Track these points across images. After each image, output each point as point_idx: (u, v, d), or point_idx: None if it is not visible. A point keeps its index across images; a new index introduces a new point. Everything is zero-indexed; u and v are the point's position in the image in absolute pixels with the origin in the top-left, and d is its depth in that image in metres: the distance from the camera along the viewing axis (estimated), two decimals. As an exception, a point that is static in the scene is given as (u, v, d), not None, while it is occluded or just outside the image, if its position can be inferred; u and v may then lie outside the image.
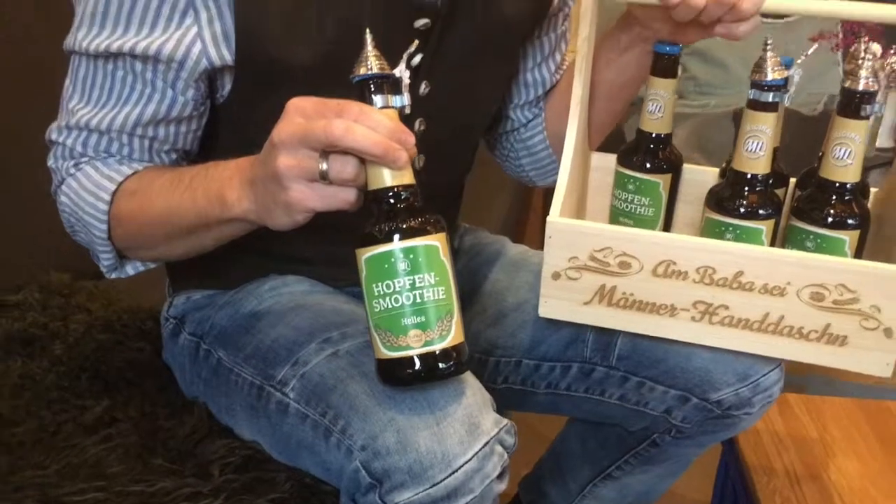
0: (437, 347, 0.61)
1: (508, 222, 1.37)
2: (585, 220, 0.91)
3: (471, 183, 1.03)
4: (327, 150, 0.61)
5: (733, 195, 0.81)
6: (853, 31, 1.49)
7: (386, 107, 0.62)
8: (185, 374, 0.90)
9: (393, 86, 0.63)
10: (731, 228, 0.81)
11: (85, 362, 0.94)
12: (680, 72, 2.24)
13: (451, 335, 0.62)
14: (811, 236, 0.79)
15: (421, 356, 0.61)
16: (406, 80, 0.64)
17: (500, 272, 1.01)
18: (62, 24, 0.79)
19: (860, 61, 0.77)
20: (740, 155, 0.80)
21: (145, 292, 1.08)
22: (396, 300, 0.60)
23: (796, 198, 0.84)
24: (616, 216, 0.94)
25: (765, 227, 0.80)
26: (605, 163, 0.97)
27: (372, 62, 0.62)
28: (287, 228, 0.67)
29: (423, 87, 0.83)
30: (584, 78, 0.87)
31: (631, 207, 0.92)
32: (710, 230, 0.82)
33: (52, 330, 0.99)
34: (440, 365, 0.62)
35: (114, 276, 0.84)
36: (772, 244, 0.83)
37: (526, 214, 1.44)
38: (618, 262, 0.80)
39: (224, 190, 0.70)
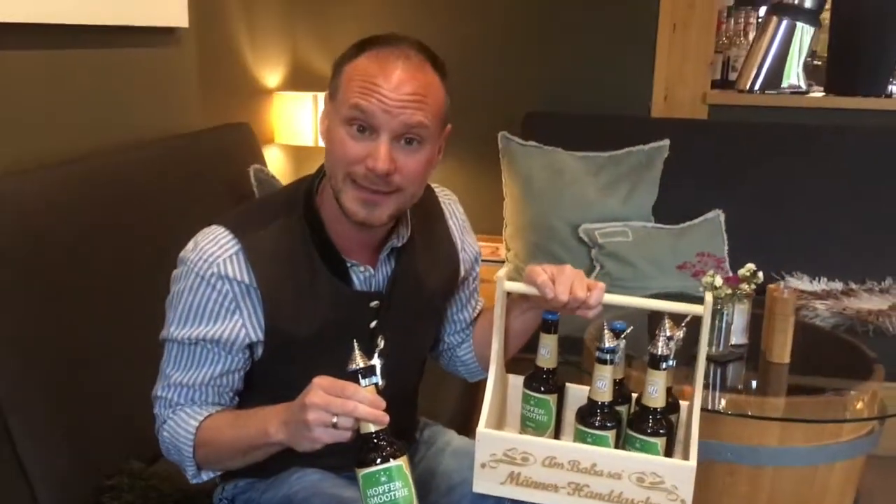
0: None
1: (459, 412, 1.87)
2: (503, 430, 1.38)
3: (429, 384, 1.51)
4: None
5: (590, 414, 1.29)
6: (703, 266, 2.02)
7: (369, 384, 1.11)
8: (237, 538, 1.35)
9: (371, 371, 1.12)
10: (589, 436, 1.28)
11: (165, 530, 1.37)
12: (598, 269, 2.89)
13: None
14: (638, 441, 1.27)
15: None
16: (378, 367, 1.12)
17: (449, 459, 1.46)
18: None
19: (659, 334, 1.27)
20: (593, 389, 1.29)
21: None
22: (380, 498, 1.08)
23: (630, 414, 1.33)
24: (524, 420, 1.41)
25: (610, 434, 1.28)
26: (518, 382, 1.45)
27: (358, 360, 1.12)
28: (307, 451, 1.13)
29: (380, 341, 1.32)
30: (500, 336, 1.36)
31: (533, 415, 1.38)
32: (578, 436, 1.30)
33: (138, 506, 1.43)
34: None
35: (195, 481, 1.30)
36: (617, 444, 1.31)
37: (473, 405, 1.93)
38: (521, 457, 1.27)
39: (266, 426, 1.17)
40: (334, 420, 1.07)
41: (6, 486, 1.36)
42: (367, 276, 1.30)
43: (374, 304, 1.31)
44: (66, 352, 1.52)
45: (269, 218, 1.26)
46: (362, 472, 1.09)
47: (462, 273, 1.47)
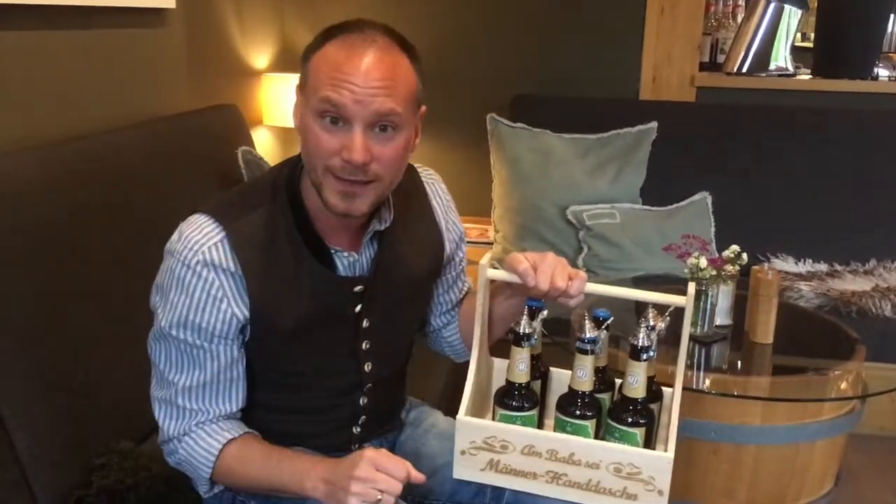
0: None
1: (447, 391, 1.90)
2: (488, 413, 1.40)
3: (419, 363, 1.54)
4: None
5: (570, 403, 1.31)
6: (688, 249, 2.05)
7: (527, 347, 1.29)
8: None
9: (531, 336, 1.30)
10: (569, 424, 1.30)
11: (155, 508, 1.40)
12: (585, 250, 2.94)
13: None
14: (617, 430, 1.29)
15: None
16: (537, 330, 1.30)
17: (433, 440, 1.49)
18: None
19: (640, 325, 1.29)
20: (573, 378, 1.31)
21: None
22: None
23: (611, 403, 1.36)
24: (509, 405, 1.43)
25: (589, 424, 1.30)
26: (503, 365, 1.46)
27: (524, 325, 1.29)
28: None
29: (366, 323, 1.34)
30: (482, 323, 1.36)
31: (518, 401, 1.41)
32: (558, 424, 1.32)
33: (128, 484, 1.44)
34: None
35: (207, 496, 1.33)
36: (598, 431, 1.33)
37: (461, 384, 1.96)
38: (500, 445, 1.29)
39: (303, 480, 1.20)
40: (378, 496, 1.14)
41: (-3, 467, 1.38)
42: (350, 261, 1.31)
43: (358, 288, 1.32)
44: (56, 333, 1.53)
45: (252, 205, 1.26)
46: None
47: (447, 253, 1.47)
